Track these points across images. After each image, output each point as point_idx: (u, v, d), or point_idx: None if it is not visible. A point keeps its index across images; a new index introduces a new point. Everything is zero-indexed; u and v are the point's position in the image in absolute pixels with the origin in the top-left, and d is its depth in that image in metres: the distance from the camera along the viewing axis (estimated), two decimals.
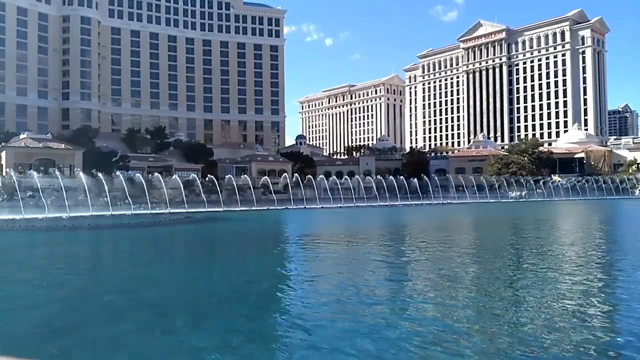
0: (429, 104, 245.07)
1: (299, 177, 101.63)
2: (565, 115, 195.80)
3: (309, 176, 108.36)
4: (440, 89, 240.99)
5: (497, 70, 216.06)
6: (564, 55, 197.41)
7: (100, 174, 65.06)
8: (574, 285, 17.50)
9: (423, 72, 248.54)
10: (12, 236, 40.19)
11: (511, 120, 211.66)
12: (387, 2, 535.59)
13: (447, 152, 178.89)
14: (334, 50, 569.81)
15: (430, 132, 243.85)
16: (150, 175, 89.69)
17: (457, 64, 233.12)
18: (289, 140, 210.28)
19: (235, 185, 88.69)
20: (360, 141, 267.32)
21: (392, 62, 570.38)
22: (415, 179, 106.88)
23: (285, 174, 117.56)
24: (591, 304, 15.02)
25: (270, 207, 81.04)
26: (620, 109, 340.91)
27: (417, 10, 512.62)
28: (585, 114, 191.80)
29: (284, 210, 77.31)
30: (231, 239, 40.08)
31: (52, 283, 19.12)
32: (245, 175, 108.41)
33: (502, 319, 13.29)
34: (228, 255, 28.95)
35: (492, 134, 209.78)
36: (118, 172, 78.18)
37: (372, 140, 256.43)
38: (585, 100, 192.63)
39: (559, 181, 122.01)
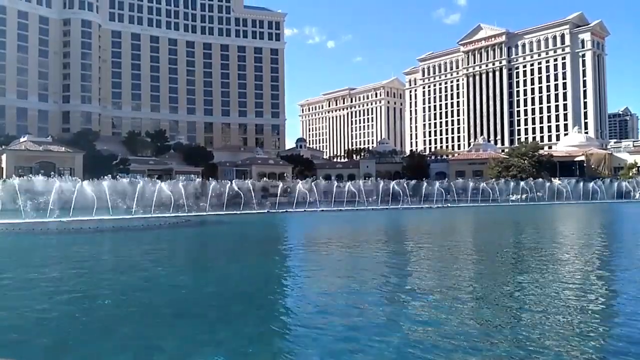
0: (429, 107, 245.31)
1: (299, 180, 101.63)
2: (566, 119, 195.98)
3: (309, 179, 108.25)
4: (440, 92, 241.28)
5: (497, 73, 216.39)
6: (564, 58, 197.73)
7: (102, 178, 64.97)
8: (576, 287, 17.47)
9: (423, 76, 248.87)
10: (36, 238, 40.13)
11: (511, 124, 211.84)
12: (390, 5, 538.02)
13: (447, 155, 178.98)
14: (335, 52, 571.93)
15: (430, 135, 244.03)
16: (150, 179, 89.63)
17: (457, 67, 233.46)
18: (289, 144, 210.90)
19: (235, 188, 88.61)
20: (360, 144, 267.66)
21: (393, 65, 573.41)
22: (416, 182, 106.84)
23: (286, 177, 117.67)
24: (594, 309, 15.00)
25: (270, 211, 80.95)
26: (621, 112, 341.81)
27: (419, 13, 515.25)
28: (586, 117, 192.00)
29: (285, 214, 77.20)
30: (235, 240, 40.01)
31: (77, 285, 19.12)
32: (247, 179, 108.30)
33: (504, 323, 13.26)
34: (240, 256, 28.92)
35: (492, 137, 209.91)
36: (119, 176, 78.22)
37: (372, 143, 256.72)
38: (585, 103, 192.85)
39: (559, 184, 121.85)
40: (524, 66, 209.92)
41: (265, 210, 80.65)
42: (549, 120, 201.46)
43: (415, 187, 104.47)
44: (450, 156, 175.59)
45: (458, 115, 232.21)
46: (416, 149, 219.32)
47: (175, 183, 79.87)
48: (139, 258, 28.63)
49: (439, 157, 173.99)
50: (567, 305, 15.32)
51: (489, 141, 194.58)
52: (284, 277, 22.15)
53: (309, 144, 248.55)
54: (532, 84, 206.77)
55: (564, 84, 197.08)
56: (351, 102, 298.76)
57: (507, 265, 24.17)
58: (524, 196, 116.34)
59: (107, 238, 41.18)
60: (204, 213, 71.02)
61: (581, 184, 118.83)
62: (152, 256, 29.74)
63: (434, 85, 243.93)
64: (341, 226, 53.62)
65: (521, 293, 17.31)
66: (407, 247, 33.56)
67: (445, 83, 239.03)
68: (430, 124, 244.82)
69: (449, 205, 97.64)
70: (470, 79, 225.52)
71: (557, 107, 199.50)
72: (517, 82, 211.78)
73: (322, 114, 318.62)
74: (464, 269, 22.94)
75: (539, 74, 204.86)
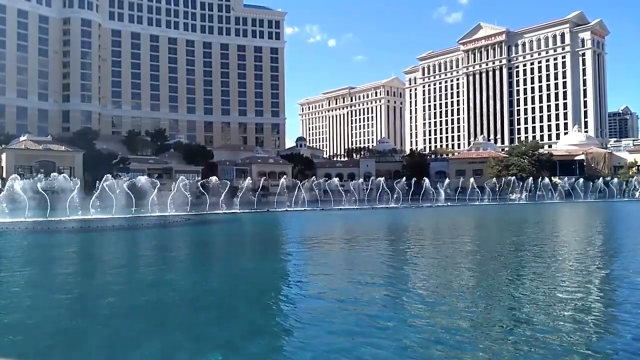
0: (429, 106, 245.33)
1: (298, 179, 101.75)
2: (566, 118, 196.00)
3: (309, 178, 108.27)
4: (440, 91, 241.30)
5: (497, 72, 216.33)
6: (564, 57, 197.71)
7: (103, 177, 65.03)
8: (576, 288, 17.50)
9: (423, 75, 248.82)
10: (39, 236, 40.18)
11: (511, 123, 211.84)
12: (391, 4, 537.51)
13: (447, 154, 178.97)
14: (336, 51, 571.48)
15: (430, 134, 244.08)
16: (150, 178, 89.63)
17: (457, 66, 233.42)
18: (289, 143, 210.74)
19: (235, 187, 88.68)
20: (360, 143, 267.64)
21: (393, 64, 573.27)
22: (415, 181, 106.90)
23: (286, 176, 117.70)
24: (594, 307, 15.02)
25: (270, 209, 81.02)
26: (620, 111, 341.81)
27: (421, 12, 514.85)
28: (585, 116, 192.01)
29: (284, 212, 77.24)
30: (238, 240, 40.06)
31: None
32: (248, 178, 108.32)
33: (504, 322, 13.29)
34: (246, 254, 28.97)
35: (492, 136, 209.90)
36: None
37: (372, 142, 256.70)
38: (585, 102, 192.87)
39: (559, 183, 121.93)
40: (524, 65, 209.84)
41: (266, 209, 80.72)
42: (549, 119, 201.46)
43: (415, 187, 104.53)
44: (450, 155, 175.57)
45: (458, 114, 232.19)
46: (416, 148, 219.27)
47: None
48: (153, 256, 28.68)
49: (439, 156, 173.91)
50: (571, 303, 15.35)
51: (489, 140, 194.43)
52: (285, 275, 22.19)
53: (309, 143, 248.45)
54: (532, 82, 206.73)
55: (564, 83, 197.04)
56: (351, 101, 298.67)
57: (507, 265, 24.18)
58: (524, 195, 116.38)
59: (113, 236, 41.23)
60: (204, 212, 71.13)
61: (581, 182, 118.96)
62: (160, 255, 29.80)
63: (434, 84, 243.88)
64: (340, 225, 53.66)
65: (522, 292, 17.33)
66: (406, 246, 33.58)
67: (445, 82, 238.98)
68: (430, 123, 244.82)
69: (448, 204, 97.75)
70: (470, 78, 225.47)
71: (557, 106, 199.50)
72: (517, 81, 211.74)
73: (322, 113, 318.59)
74: (463, 268, 22.96)
75: (539, 72, 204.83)
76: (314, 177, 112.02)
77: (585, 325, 12.93)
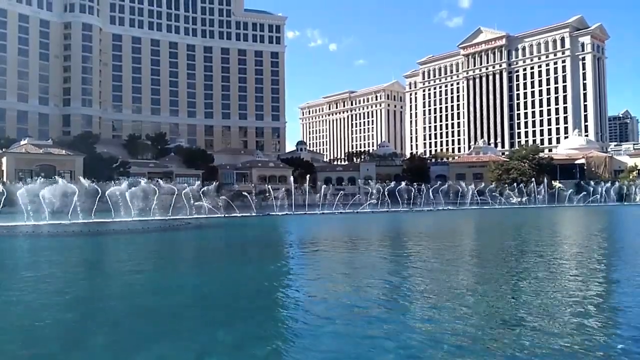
0: (429, 110, 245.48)
1: (299, 183, 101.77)
2: (566, 122, 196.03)
3: (310, 182, 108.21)
4: (440, 95, 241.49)
5: (497, 76, 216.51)
6: (564, 61, 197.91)
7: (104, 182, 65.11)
8: (578, 289, 17.46)
9: (423, 79, 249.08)
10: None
11: (511, 127, 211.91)
12: (392, 8, 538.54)
13: (447, 158, 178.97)
14: (337, 55, 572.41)
15: (430, 138, 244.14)
16: (151, 181, 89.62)
17: (457, 70, 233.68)
18: (290, 146, 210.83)
19: (236, 191, 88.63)
20: (360, 147, 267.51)
21: (393, 68, 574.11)
22: (416, 185, 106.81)
23: (286, 179, 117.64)
24: (594, 310, 14.98)
25: (270, 213, 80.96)
26: (621, 115, 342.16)
27: (422, 16, 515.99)
28: (586, 120, 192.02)
29: (285, 216, 77.18)
30: (241, 243, 40.01)
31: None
32: (249, 182, 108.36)
33: (505, 324, 13.25)
34: (254, 258, 28.92)
35: (492, 140, 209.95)
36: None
37: (373, 146, 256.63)
38: (585, 106, 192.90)
39: (559, 187, 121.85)
40: (524, 69, 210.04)
41: (266, 213, 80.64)
42: (549, 123, 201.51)
43: (415, 190, 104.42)
44: (450, 159, 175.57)
45: (458, 118, 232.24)
46: (416, 152, 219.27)
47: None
48: (164, 260, 28.67)
49: (439, 160, 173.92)
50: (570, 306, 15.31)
51: (489, 144, 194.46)
52: (288, 278, 22.15)
53: (309, 147, 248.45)
54: (532, 87, 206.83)
55: (564, 87, 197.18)
56: (351, 105, 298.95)
57: (508, 269, 24.14)
58: (524, 199, 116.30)
59: (116, 239, 41.21)
60: (204, 216, 71.08)
61: (582, 186, 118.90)
62: (159, 259, 29.76)
63: (434, 88, 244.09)
64: (339, 229, 53.60)
65: (523, 293, 17.29)
66: (407, 249, 33.53)
67: (446, 86, 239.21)
68: (430, 127, 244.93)
69: (449, 207, 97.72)
70: (471, 82, 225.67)
71: (557, 110, 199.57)
72: (517, 85, 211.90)
73: (322, 117, 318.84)
74: (465, 270, 22.92)
75: (539, 77, 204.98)
76: (313, 180, 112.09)
77: (587, 326, 12.89)
